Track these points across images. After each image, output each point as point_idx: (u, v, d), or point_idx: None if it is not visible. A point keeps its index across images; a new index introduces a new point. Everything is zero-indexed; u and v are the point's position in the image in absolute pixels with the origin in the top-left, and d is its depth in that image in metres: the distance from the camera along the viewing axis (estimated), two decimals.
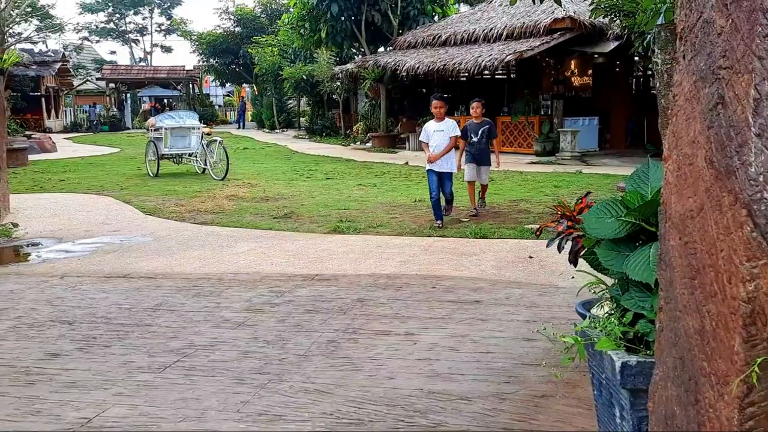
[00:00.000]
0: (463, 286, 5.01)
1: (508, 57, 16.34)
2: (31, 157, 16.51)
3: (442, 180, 7.73)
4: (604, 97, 18.51)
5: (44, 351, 3.66)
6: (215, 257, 6.33)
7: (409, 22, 22.63)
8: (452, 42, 19.70)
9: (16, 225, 7.66)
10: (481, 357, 3.47)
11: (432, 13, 22.88)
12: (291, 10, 26.16)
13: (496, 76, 21.07)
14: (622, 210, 1.91)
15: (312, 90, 27.30)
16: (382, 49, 23.63)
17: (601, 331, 1.89)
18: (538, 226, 7.22)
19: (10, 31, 20.82)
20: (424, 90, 23.26)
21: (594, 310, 2.36)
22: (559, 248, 2.91)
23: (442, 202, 7.83)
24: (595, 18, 12.24)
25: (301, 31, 23.60)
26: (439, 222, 7.65)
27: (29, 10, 25.13)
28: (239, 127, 32.83)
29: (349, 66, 23.64)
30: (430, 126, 7.81)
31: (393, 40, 22.05)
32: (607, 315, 1.97)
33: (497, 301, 4.58)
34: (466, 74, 19.88)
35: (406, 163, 15.88)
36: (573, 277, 5.02)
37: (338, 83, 25.67)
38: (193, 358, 3.55)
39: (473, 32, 19.07)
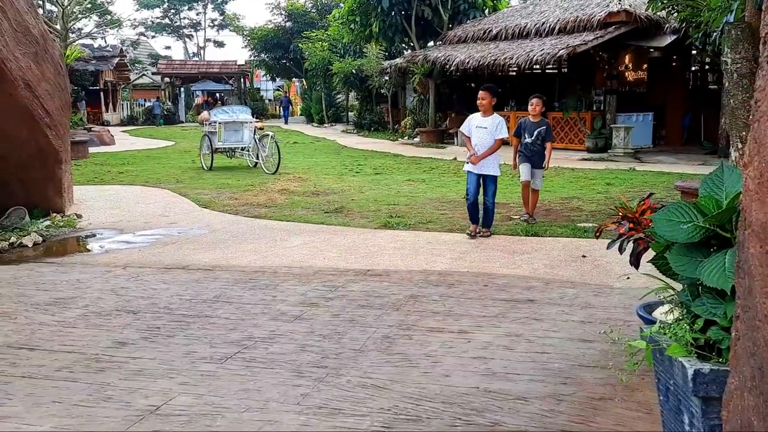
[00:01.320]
0: (516, 285, 4.99)
1: (561, 51, 16.08)
2: (91, 150, 17.08)
3: (485, 183, 6.90)
4: (659, 92, 18.05)
5: (112, 339, 3.82)
6: (269, 250, 6.45)
7: (460, 16, 22.48)
8: (503, 36, 19.50)
9: (79, 216, 7.96)
10: (536, 357, 3.47)
11: (483, 7, 22.67)
12: (342, 5, 26.32)
13: (547, 71, 20.77)
14: (695, 214, 1.88)
15: (361, 84, 27.44)
16: (431, 43, 23.53)
17: (671, 336, 1.87)
18: (592, 225, 7.20)
19: (73, 27, 21.54)
20: (473, 84, 23.08)
21: (658, 314, 2.33)
22: (621, 250, 2.89)
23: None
24: (652, 11, 11.96)
25: (352, 26, 23.70)
26: (474, 227, 6.87)
27: (89, 6, 25.95)
28: (285, 123, 33.23)
29: (398, 61, 23.65)
30: (474, 119, 7.00)
31: (443, 35, 21.94)
32: (676, 320, 1.95)
33: (551, 300, 4.55)
34: (516, 69, 19.65)
35: (455, 158, 15.83)
36: (628, 278, 4.95)
37: (387, 78, 25.71)
38: (252, 350, 3.64)
39: (525, 26, 18.84)
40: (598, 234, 3.30)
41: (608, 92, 17.22)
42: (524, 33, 18.78)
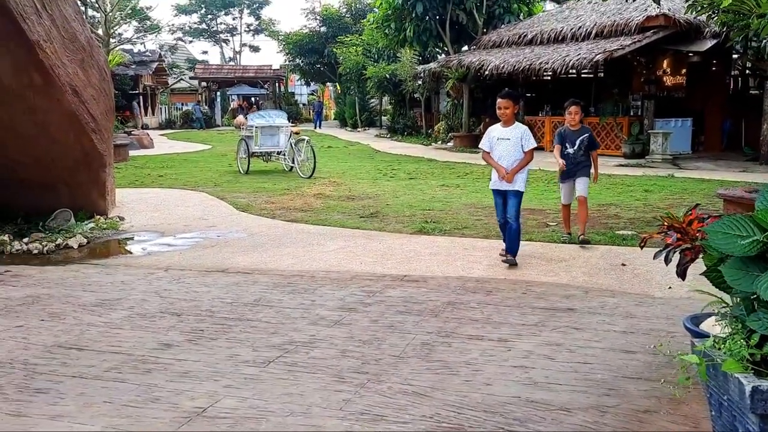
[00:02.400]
0: (555, 293, 4.96)
1: (598, 56, 15.92)
2: (131, 153, 17.45)
3: (507, 199, 6.04)
4: (699, 97, 17.71)
5: (157, 341, 3.90)
6: (306, 255, 6.51)
7: (494, 20, 22.42)
8: (538, 41, 19.39)
9: (122, 218, 8.14)
10: (578, 367, 3.44)
11: (518, 11, 22.58)
12: (376, 10, 26.44)
13: (583, 75, 20.56)
14: (752, 227, 1.86)
15: (394, 89, 27.52)
16: (465, 48, 23.50)
17: (725, 352, 1.85)
18: (631, 233, 7.10)
19: (114, 33, 22.06)
20: (506, 89, 22.95)
21: (706, 327, 2.30)
22: (667, 260, 2.86)
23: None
24: (692, 15, 11.75)
25: (386, 30, 23.80)
26: (505, 251, 6.11)
27: (130, 12, 26.52)
28: (316, 127, 33.50)
29: (432, 65, 23.65)
30: (494, 131, 6.09)
31: (477, 39, 21.90)
32: (730, 335, 1.93)
33: (591, 309, 4.51)
34: (551, 73, 19.50)
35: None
36: (670, 288, 4.89)
37: (420, 82, 25.75)
38: (294, 354, 3.69)
39: (561, 31, 18.70)
40: (643, 244, 3.27)
41: (646, 97, 16.98)
42: (560, 37, 18.64)
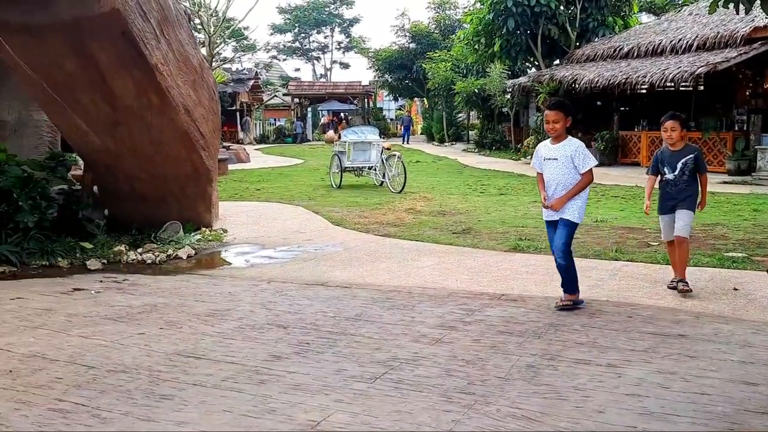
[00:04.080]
0: (663, 318, 4.78)
1: (700, 69, 15.29)
2: (230, 167, 18.20)
3: (558, 228, 5.14)
4: None
5: (267, 352, 4.05)
6: (402, 270, 6.58)
7: (588, 34, 21.97)
8: (635, 54, 18.83)
9: (225, 231, 8.51)
10: (695, 398, 3.31)
11: (612, 24, 22.00)
12: (465, 25, 26.51)
13: (681, 89, 19.76)
14: None
15: (483, 104, 27.43)
16: (557, 62, 23.12)
17: None
18: (742, 255, 6.73)
19: (216, 54, 23.23)
20: (599, 103, 22.41)
21: None
22: None
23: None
24: None
25: (476, 46, 23.80)
26: (566, 297, 5.14)
27: (227, 31, 27.81)
28: (404, 142, 33.80)
29: (522, 80, 23.41)
30: (543, 149, 5.20)
31: (570, 54, 21.51)
32: None
33: (704, 336, 4.32)
34: (646, 87, 18.87)
35: None
36: None
37: (509, 97, 25.53)
38: (399, 371, 3.74)
39: (659, 43, 18.09)
40: None
41: (752, 111, 16.11)
42: (658, 50, 18.03)
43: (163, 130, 7.09)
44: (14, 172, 6.49)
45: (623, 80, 17.43)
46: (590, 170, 5.05)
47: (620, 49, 19.31)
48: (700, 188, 5.65)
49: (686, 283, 5.46)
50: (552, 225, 5.22)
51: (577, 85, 18.94)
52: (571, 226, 5.09)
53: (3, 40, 6.33)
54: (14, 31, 6.28)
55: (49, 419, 3.07)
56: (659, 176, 5.76)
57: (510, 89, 24.64)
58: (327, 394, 3.39)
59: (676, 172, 5.62)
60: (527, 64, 25.16)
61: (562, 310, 5.03)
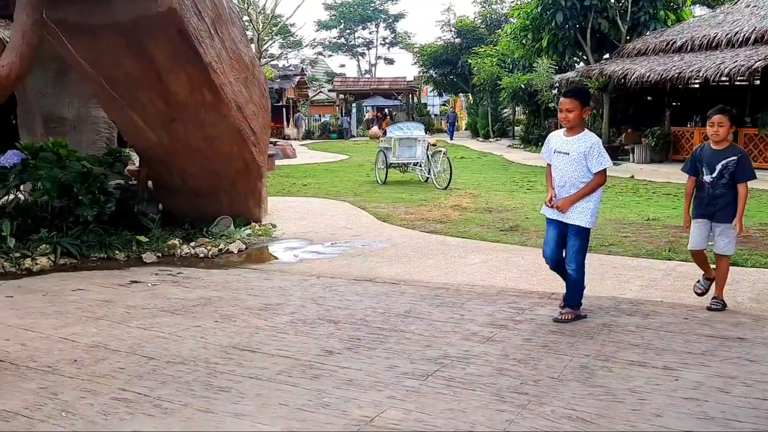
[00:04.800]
0: (720, 320, 4.66)
1: (758, 63, 14.81)
2: (277, 163, 18.43)
3: (567, 236, 4.64)
4: None
5: (319, 347, 4.11)
6: (449, 267, 6.57)
7: (639, 28, 21.44)
8: (688, 48, 18.30)
9: (274, 225, 8.63)
10: (758, 404, 3.22)
11: (664, 18, 21.42)
12: (512, 20, 26.19)
13: (736, 83, 19.14)
14: None
15: (529, 99, 27.09)
16: (606, 56, 22.67)
17: None
18: None
19: (264, 51, 23.56)
20: (649, 98, 21.90)
21: None
22: None
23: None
24: None
25: (523, 40, 23.48)
26: (566, 310, 4.72)
27: (275, 28, 28.13)
28: (450, 138, 33.67)
29: (570, 74, 23.03)
30: (554, 140, 4.75)
31: (620, 48, 21.04)
32: None
33: (765, 340, 4.20)
34: (699, 82, 18.33)
35: (632, 176, 15.07)
36: None
37: (556, 92, 25.17)
38: (450, 369, 3.74)
39: (714, 37, 17.54)
40: None
41: None
42: (713, 44, 17.49)
43: (216, 126, 7.22)
44: (75, 167, 6.72)
45: (676, 75, 16.99)
46: (604, 171, 4.55)
47: (673, 42, 18.81)
48: (739, 198, 4.83)
49: (720, 302, 4.96)
50: (554, 225, 4.69)
51: (627, 80, 18.54)
52: (584, 234, 4.60)
53: (64, 38, 6.54)
54: (75, 30, 6.48)
55: (114, 408, 3.18)
56: (695, 178, 5.07)
57: (557, 84, 24.28)
58: (380, 390, 3.42)
59: (714, 174, 4.90)
60: (575, 58, 24.72)
61: (558, 323, 4.62)
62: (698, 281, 5.22)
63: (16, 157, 6.66)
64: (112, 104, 7.46)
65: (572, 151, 4.53)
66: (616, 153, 20.42)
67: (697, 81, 18.35)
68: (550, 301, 5.24)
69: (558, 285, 5.73)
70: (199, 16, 6.50)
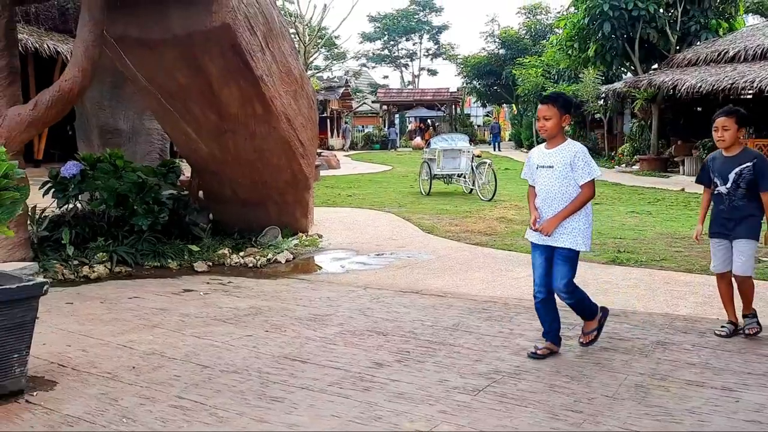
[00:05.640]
0: None
1: None
2: (321, 173, 18.61)
3: (554, 261, 4.12)
4: None
5: (369, 359, 4.12)
6: (496, 280, 6.52)
7: (689, 38, 21.02)
8: (741, 58, 17.88)
9: (320, 236, 8.71)
10: None
11: (716, 27, 20.95)
12: (558, 30, 25.98)
13: None
14: None
15: (574, 110, 26.77)
16: (655, 66, 22.28)
17: None
18: None
19: (311, 63, 23.91)
20: (699, 109, 21.40)
21: None
22: None
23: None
24: None
25: (569, 51, 23.25)
26: (547, 346, 4.21)
27: (320, 41, 28.50)
28: (494, 150, 33.46)
29: (618, 85, 22.71)
30: (535, 155, 4.24)
31: (669, 58, 20.66)
32: None
33: None
34: (752, 92, 17.83)
35: (683, 189, 14.73)
36: None
37: (602, 103, 24.85)
38: (502, 384, 3.71)
39: None
40: None
41: None
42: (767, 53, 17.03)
43: (266, 138, 7.35)
44: (130, 178, 6.92)
45: (728, 85, 16.59)
46: (592, 182, 4.02)
47: (725, 52, 18.38)
48: (765, 209, 4.32)
49: (744, 329, 4.53)
50: (540, 250, 4.13)
51: (677, 91, 18.18)
52: (573, 258, 4.06)
53: (123, 53, 6.77)
54: (133, 45, 6.70)
55: (171, 416, 3.25)
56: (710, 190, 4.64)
57: (604, 95, 23.96)
58: (431, 405, 3.42)
59: (729, 185, 4.40)
60: (623, 69, 24.37)
61: (589, 345, 4.27)
62: (724, 325, 4.61)
63: (76, 168, 6.90)
64: (166, 117, 7.67)
65: (556, 164, 4.04)
66: (665, 165, 20.01)
67: (750, 92, 17.86)
68: None
69: (608, 300, 5.61)
70: (251, 30, 6.65)
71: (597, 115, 25.50)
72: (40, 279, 3.59)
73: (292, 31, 22.38)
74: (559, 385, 3.71)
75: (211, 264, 7.11)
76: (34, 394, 3.48)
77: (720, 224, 4.54)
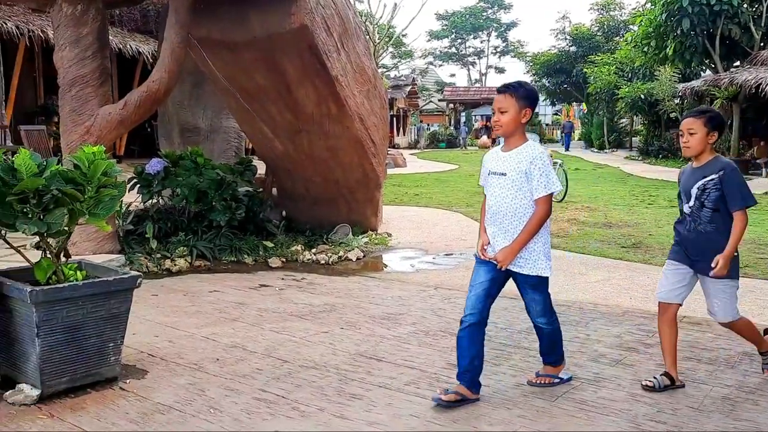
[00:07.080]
0: None
1: None
2: (388, 172, 18.68)
3: (522, 290, 3.55)
4: None
5: (444, 360, 4.14)
6: (570, 284, 6.41)
7: None
8: None
9: (390, 234, 8.78)
10: None
11: None
12: (632, 27, 25.23)
13: None
14: None
15: (649, 109, 25.99)
16: (737, 64, 21.34)
17: None
18: None
19: (380, 62, 24.06)
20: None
21: None
22: None
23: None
24: None
25: (645, 48, 22.55)
26: (458, 391, 3.37)
27: (388, 39, 28.63)
28: (565, 149, 32.77)
29: (696, 83, 21.87)
30: (488, 158, 3.54)
31: (753, 55, 19.75)
32: None
33: None
34: None
35: (766, 192, 14.06)
36: None
37: (678, 101, 23.98)
38: (581, 391, 3.66)
39: None
40: None
41: None
42: None
43: (339, 137, 7.46)
44: (210, 175, 7.15)
45: None
46: (549, 197, 3.31)
47: None
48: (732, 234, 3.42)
49: None
50: (487, 268, 3.44)
51: (761, 90, 17.36)
52: (544, 284, 3.49)
53: (206, 54, 7.00)
54: (215, 46, 6.92)
55: (256, 408, 3.36)
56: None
57: (681, 93, 23.12)
58: (509, 409, 3.40)
59: (692, 202, 3.52)
60: (702, 67, 23.45)
61: (539, 387, 3.65)
62: (655, 376, 3.66)
63: (160, 164, 7.18)
64: (244, 116, 7.89)
65: (509, 171, 3.34)
66: (747, 167, 19.15)
67: None
68: (682, 325, 4.96)
69: (688, 308, 5.39)
70: (327, 31, 6.75)
71: (672, 114, 24.62)
72: (134, 272, 3.76)
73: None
74: (640, 394, 3.62)
75: (284, 260, 7.27)
76: (127, 381, 3.66)
77: (682, 249, 3.65)
